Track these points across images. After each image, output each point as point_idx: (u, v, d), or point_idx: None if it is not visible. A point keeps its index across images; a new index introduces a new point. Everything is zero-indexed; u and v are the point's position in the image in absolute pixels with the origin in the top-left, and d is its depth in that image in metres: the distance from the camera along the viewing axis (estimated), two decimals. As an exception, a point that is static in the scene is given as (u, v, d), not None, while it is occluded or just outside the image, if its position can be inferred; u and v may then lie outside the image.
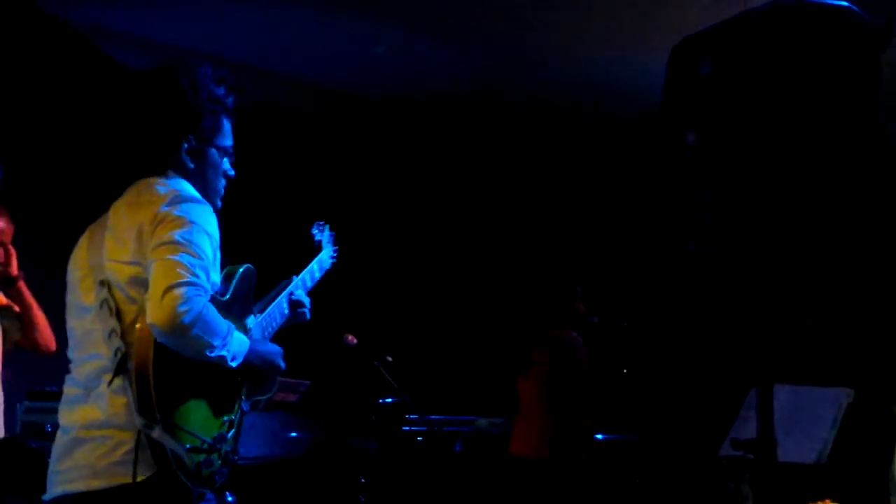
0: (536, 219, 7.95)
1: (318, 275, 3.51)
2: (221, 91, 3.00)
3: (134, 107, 3.00)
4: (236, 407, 2.93)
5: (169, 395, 2.70)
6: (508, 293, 7.17)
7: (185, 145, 2.95)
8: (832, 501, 4.32)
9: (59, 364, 3.05)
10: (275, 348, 3.06)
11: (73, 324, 2.92)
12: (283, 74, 6.76)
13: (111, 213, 2.93)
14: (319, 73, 6.80)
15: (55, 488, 2.81)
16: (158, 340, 2.66)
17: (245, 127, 3.13)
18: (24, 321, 4.32)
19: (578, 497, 5.33)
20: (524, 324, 5.57)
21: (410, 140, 7.68)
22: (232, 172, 3.07)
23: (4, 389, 4.18)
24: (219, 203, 3.05)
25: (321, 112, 7.39)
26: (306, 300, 3.33)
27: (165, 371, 2.69)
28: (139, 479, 2.68)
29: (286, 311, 3.25)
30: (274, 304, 3.20)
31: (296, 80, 6.87)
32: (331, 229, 3.68)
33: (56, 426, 2.90)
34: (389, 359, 5.78)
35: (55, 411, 2.96)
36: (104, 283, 2.81)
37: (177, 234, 2.71)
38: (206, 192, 2.98)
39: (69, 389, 2.88)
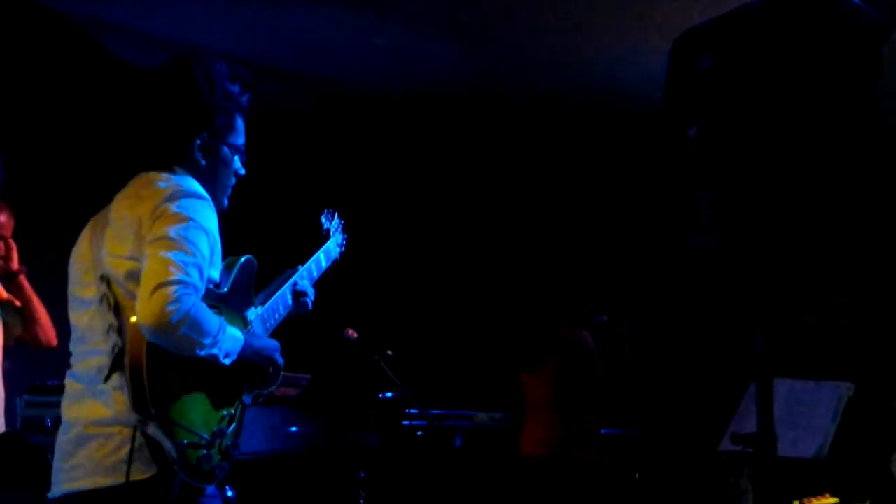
0: (538, 214, 7.95)
1: (324, 264, 3.48)
2: (236, 89, 2.98)
3: (147, 101, 2.97)
4: (236, 401, 2.91)
5: (164, 391, 2.68)
6: (510, 289, 7.17)
7: (198, 142, 2.93)
8: (832, 496, 4.33)
9: (59, 358, 3.05)
10: (272, 343, 3.01)
11: (75, 317, 2.90)
12: (285, 70, 6.75)
13: (113, 205, 2.91)
14: (322, 68, 6.80)
15: (61, 486, 2.80)
16: (147, 339, 2.64)
17: (247, 121, 3.12)
18: (25, 316, 4.33)
19: (591, 493, 5.34)
20: (535, 322, 5.56)
21: (413, 135, 7.67)
22: (243, 171, 3.05)
23: (4, 384, 4.18)
24: (226, 202, 3.04)
25: (323, 107, 7.39)
26: (311, 290, 3.30)
27: (160, 366, 2.67)
28: (139, 476, 2.67)
29: (290, 303, 3.21)
30: (277, 295, 3.17)
31: (297, 76, 6.87)
32: (340, 217, 3.66)
33: (56, 421, 2.89)
34: (390, 353, 5.79)
35: (55, 406, 2.95)
36: (104, 278, 2.80)
37: (172, 231, 2.70)
38: (215, 189, 2.96)
39: (71, 384, 2.86)
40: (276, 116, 6.85)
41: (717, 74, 2.36)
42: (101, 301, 2.79)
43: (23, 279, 4.35)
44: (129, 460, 2.67)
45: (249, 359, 2.88)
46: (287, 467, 5.68)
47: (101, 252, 2.83)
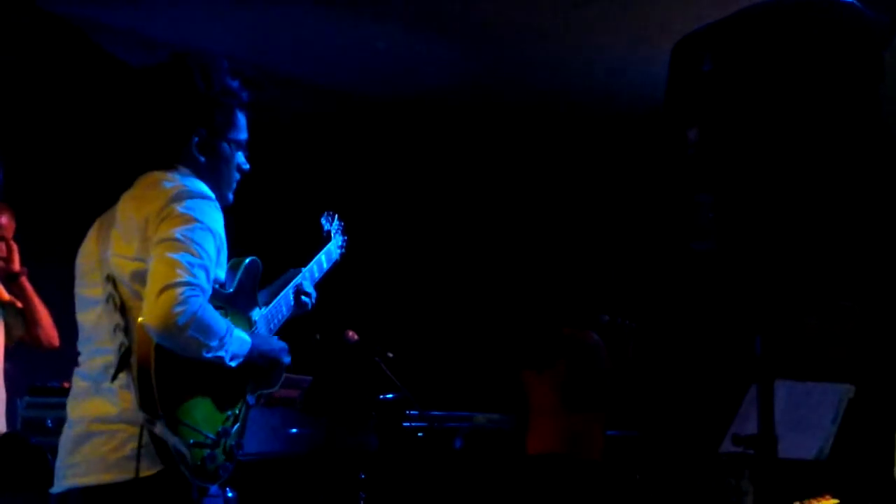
0: (539, 217, 7.95)
1: (325, 266, 3.49)
2: (236, 84, 2.98)
3: (144, 98, 2.97)
4: (240, 401, 2.92)
5: (171, 390, 2.69)
6: (511, 291, 7.18)
7: (196, 139, 2.93)
8: (832, 497, 4.33)
9: (60, 359, 3.05)
10: (279, 345, 3.03)
11: (82, 317, 2.90)
12: (284, 73, 6.76)
13: (119, 206, 2.91)
14: (322, 71, 6.80)
15: (64, 482, 2.80)
16: (154, 340, 2.65)
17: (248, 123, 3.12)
18: (26, 317, 4.33)
19: (597, 493, 5.34)
20: (541, 324, 5.56)
21: (414, 138, 7.68)
22: (247, 166, 3.05)
23: (5, 385, 4.18)
24: (230, 197, 3.04)
25: (323, 110, 7.39)
26: (312, 291, 3.32)
27: (168, 366, 2.68)
28: (143, 474, 2.68)
29: (292, 303, 3.23)
30: (280, 295, 3.18)
31: (296, 79, 6.87)
32: (340, 219, 3.67)
33: (56, 421, 2.90)
34: (390, 355, 5.79)
35: (56, 407, 2.97)
36: (109, 278, 2.80)
37: (178, 232, 2.70)
38: (218, 186, 2.96)
39: (78, 383, 2.87)
40: (276, 119, 6.85)
41: (719, 77, 2.36)
42: (107, 301, 2.79)
43: (24, 280, 4.36)
44: (138, 456, 2.67)
45: (254, 360, 2.88)
46: (287, 468, 5.68)
47: (107, 252, 2.84)
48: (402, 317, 7.61)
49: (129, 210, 2.85)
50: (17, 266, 4.35)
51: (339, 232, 3.63)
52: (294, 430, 5.64)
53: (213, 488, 2.82)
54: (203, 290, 2.68)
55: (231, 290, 2.93)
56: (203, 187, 2.89)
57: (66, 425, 2.86)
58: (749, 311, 2.41)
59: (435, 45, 6.39)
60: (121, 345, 2.73)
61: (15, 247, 4.37)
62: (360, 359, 5.74)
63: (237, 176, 3.05)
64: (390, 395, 6.06)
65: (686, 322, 7.21)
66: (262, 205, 6.31)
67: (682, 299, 7.12)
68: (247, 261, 3.01)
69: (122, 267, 2.79)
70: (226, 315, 2.79)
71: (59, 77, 5.93)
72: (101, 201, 3.01)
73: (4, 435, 4.15)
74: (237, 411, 2.90)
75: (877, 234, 2.34)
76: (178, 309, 2.60)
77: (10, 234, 4.38)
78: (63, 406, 2.92)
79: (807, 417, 4.64)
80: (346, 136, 7.68)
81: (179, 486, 2.72)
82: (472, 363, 7.55)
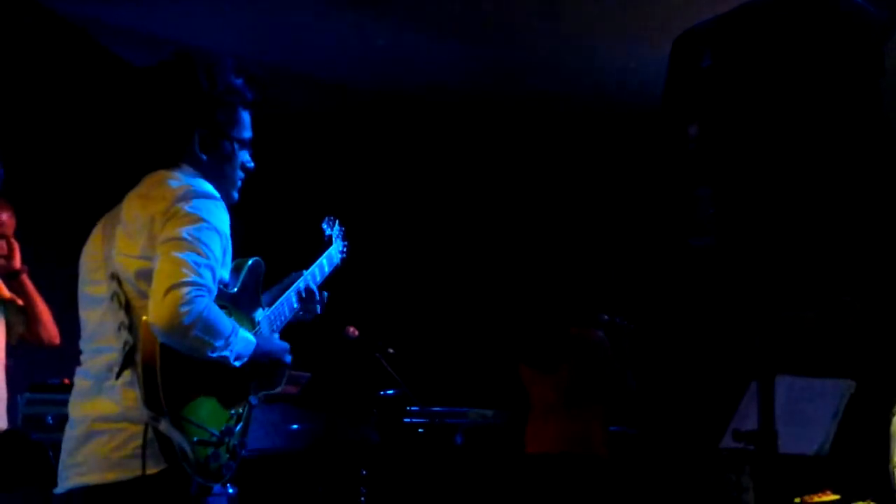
0: (538, 213, 7.95)
1: (327, 269, 3.49)
2: (240, 82, 2.98)
3: (146, 97, 2.97)
4: (243, 401, 2.92)
5: (176, 388, 2.69)
6: (512, 288, 7.18)
7: (198, 137, 2.93)
8: (832, 493, 4.34)
9: (60, 356, 3.06)
10: (281, 345, 3.04)
11: (86, 315, 2.90)
12: (286, 70, 6.76)
13: (124, 204, 2.91)
14: (324, 69, 6.80)
15: (68, 482, 2.80)
16: (159, 339, 2.65)
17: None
18: (27, 315, 4.34)
19: (601, 490, 5.34)
20: (546, 322, 5.55)
21: (414, 134, 7.68)
22: (251, 164, 3.05)
23: (6, 382, 4.19)
24: (235, 195, 3.03)
25: (324, 107, 7.39)
26: (316, 292, 3.32)
27: (173, 364, 2.68)
28: (149, 472, 2.68)
29: (295, 305, 3.24)
30: (283, 297, 3.18)
31: (299, 77, 6.87)
32: (340, 224, 3.67)
33: (57, 418, 2.90)
34: (391, 351, 5.80)
35: (57, 403, 2.96)
36: (114, 276, 2.80)
37: (185, 231, 2.69)
38: (222, 184, 2.95)
39: (80, 382, 2.86)
40: (278, 117, 6.84)
41: (718, 73, 2.36)
42: (111, 299, 2.79)
43: (25, 278, 4.36)
44: (144, 454, 2.68)
45: (258, 360, 2.89)
46: (288, 465, 5.69)
47: (112, 250, 2.83)
48: (402, 313, 7.61)
49: (134, 208, 2.85)
50: (17, 264, 4.36)
51: (340, 237, 3.65)
52: (295, 426, 5.65)
53: (217, 487, 2.83)
54: (209, 289, 2.68)
55: (235, 289, 2.93)
56: (209, 187, 2.88)
57: (69, 425, 2.86)
58: (749, 306, 2.41)
59: (436, 43, 6.39)
60: (125, 343, 2.73)
61: (16, 245, 4.38)
62: (360, 355, 5.75)
63: (242, 175, 3.05)
64: (391, 391, 6.07)
65: (687, 318, 7.21)
66: (263, 203, 6.31)
67: (683, 295, 7.13)
68: (250, 261, 3.01)
69: (127, 265, 2.78)
70: (229, 315, 2.79)
71: (61, 75, 5.93)
72: (102, 199, 3.01)
73: (5, 432, 4.16)
74: (241, 410, 2.90)
75: (877, 228, 2.34)
76: (184, 309, 2.60)
77: (10, 231, 4.38)
78: (64, 402, 2.92)
79: (807, 413, 4.64)
80: (347, 133, 7.68)
81: (182, 484, 2.72)
82: (474, 359, 7.56)
